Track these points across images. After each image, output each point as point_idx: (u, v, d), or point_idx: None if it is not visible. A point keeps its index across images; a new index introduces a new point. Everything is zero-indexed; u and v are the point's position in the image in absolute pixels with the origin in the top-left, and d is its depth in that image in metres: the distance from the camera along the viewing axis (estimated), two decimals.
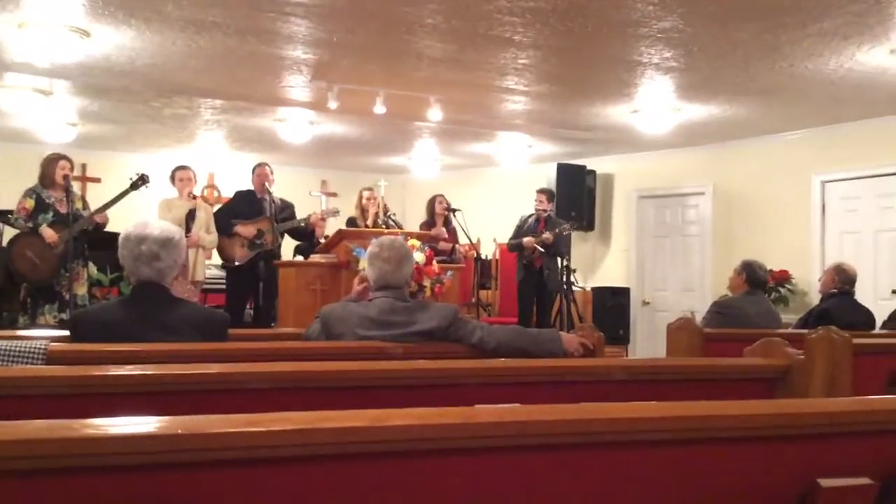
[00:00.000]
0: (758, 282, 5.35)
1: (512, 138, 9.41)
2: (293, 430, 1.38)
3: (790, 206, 8.55)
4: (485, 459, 1.50)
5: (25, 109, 7.83)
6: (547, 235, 8.00)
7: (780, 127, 8.35)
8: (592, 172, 10.10)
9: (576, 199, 9.48)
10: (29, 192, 6.28)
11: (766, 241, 8.62)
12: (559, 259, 8.39)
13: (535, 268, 8.15)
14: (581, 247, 10.27)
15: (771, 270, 8.27)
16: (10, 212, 6.53)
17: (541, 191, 8.44)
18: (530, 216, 8.41)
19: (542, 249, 8.06)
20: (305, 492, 1.40)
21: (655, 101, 7.27)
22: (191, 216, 6.83)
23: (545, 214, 8.30)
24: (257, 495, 1.37)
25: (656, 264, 10.06)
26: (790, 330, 5.43)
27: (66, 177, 6.27)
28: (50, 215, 6.22)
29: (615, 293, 9.83)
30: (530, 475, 1.54)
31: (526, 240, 8.09)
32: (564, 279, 8.67)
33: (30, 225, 6.17)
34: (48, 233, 6.18)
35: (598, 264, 10.50)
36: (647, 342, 9.89)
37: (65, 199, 6.32)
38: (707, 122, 8.09)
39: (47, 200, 6.27)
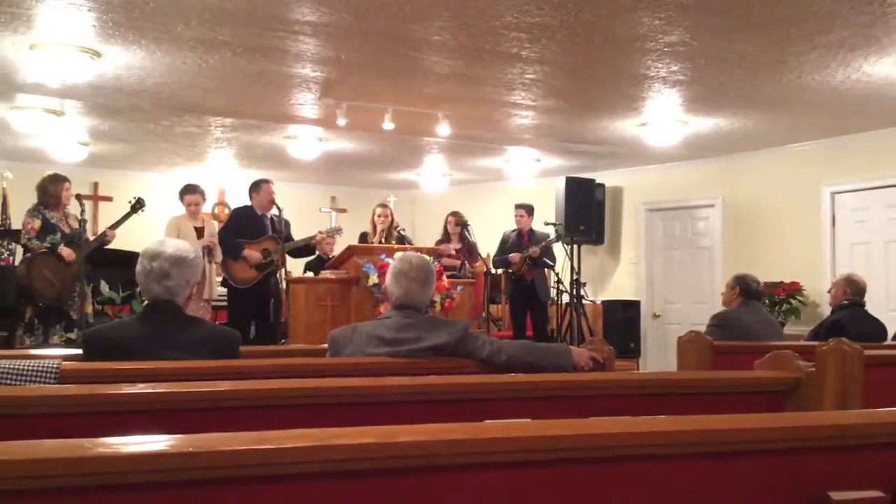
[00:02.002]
0: (752, 293, 5.32)
1: (520, 153, 9.43)
2: (303, 448, 1.38)
3: (800, 218, 8.53)
4: (494, 475, 1.50)
5: (37, 129, 7.90)
6: (534, 249, 8.08)
7: (788, 139, 8.34)
8: (601, 186, 10.10)
9: (584, 212, 9.48)
10: (34, 213, 6.31)
11: (776, 253, 8.59)
12: (546, 269, 8.46)
13: (527, 281, 8.20)
14: (590, 260, 10.26)
15: (781, 282, 8.27)
16: (19, 231, 6.58)
17: (519, 206, 8.52)
18: (513, 231, 8.52)
19: (529, 263, 8.15)
20: None
21: (663, 115, 7.28)
22: (199, 234, 6.88)
23: (528, 229, 8.43)
24: None
25: (666, 277, 10.04)
26: (801, 342, 5.41)
27: (68, 197, 6.36)
28: (59, 236, 6.27)
29: (625, 306, 9.81)
30: (540, 490, 1.54)
31: (511, 256, 8.20)
32: (574, 292, 8.69)
33: (47, 245, 6.20)
34: (66, 252, 6.25)
35: (607, 277, 10.49)
36: (658, 355, 9.85)
37: (65, 219, 6.39)
38: (715, 135, 8.09)
39: (52, 220, 6.31)
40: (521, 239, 8.38)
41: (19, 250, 8.51)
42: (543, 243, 8.21)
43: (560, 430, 1.58)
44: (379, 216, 7.79)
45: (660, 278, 10.08)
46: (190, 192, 7.14)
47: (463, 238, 8.21)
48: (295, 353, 3.86)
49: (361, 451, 1.42)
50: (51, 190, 6.35)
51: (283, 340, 7.02)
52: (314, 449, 1.39)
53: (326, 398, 2.28)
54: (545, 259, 8.27)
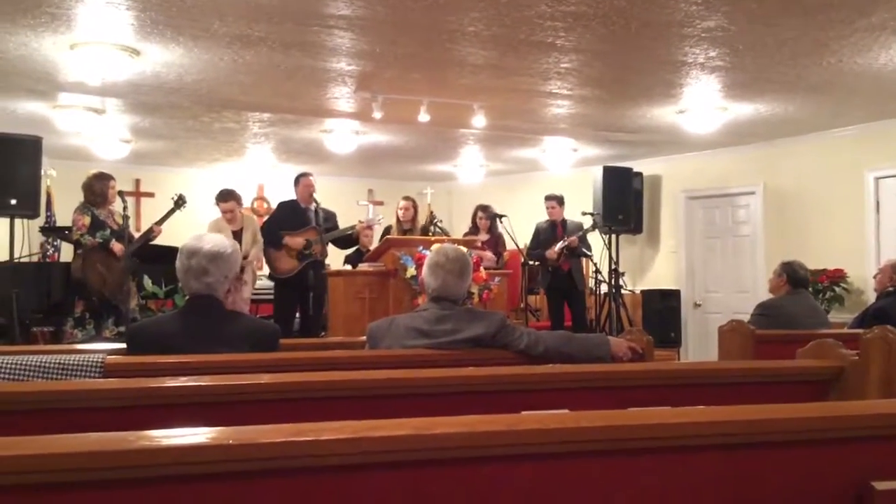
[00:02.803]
0: (799, 281, 5.24)
1: (557, 142, 9.39)
2: (342, 440, 1.40)
3: (843, 204, 8.38)
4: (532, 466, 1.51)
5: (80, 128, 8.04)
6: (572, 239, 8.04)
7: (830, 123, 8.19)
8: (639, 174, 10.01)
9: (622, 201, 9.40)
10: (83, 210, 6.50)
11: (819, 240, 8.46)
12: (582, 259, 8.44)
13: (563, 271, 8.19)
14: (629, 249, 10.18)
15: (825, 269, 8.14)
16: (67, 228, 6.74)
17: (550, 197, 8.51)
18: (546, 222, 8.52)
19: (566, 254, 8.14)
20: (355, 500, 1.42)
21: (702, 101, 7.19)
22: (237, 236, 6.96)
23: (560, 219, 8.42)
24: (306, 503, 1.39)
25: (707, 266, 9.93)
26: (845, 330, 5.32)
27: (113, 195, 6.53)
28: (108, 232, 6.44)
29: (665, 296, 9.73)
30: (578, 482, 1.54)
31: (548, 252, 8.16)
32: (613, 282, 8.64)
33: (99, 241, 6.37)
34: (117, 247, 6.46)
35: (646, 267, 10.41)
36: (699, 345, 9.76)
37: (111, 216, 6.56)
38: (755, 121, 7.97)
39: (100, 217, 6.50)
40: (554, 230, 8.37)
41: (64, 246, 8.73)
42: (580, 232, 8.18)
43: (598, 422, 1.58)
44: (401, 209, 7.84)
45: (700, 267, 9.98)
46: (223, 199, 7.22)
47: (492, 230, 8.20)
48: (334, 346, 3.89)
49: (399, 443, 1.43)
50: (97, 188, 6.54)
51: (322, 333, 7.09)
52: (353, 441, 1.40)
53: (365, 390, 2.30)
54: (582, 248, 8.25)
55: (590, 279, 8.70)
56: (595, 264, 8.69)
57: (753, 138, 8.88)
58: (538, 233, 8.48)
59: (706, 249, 9.95)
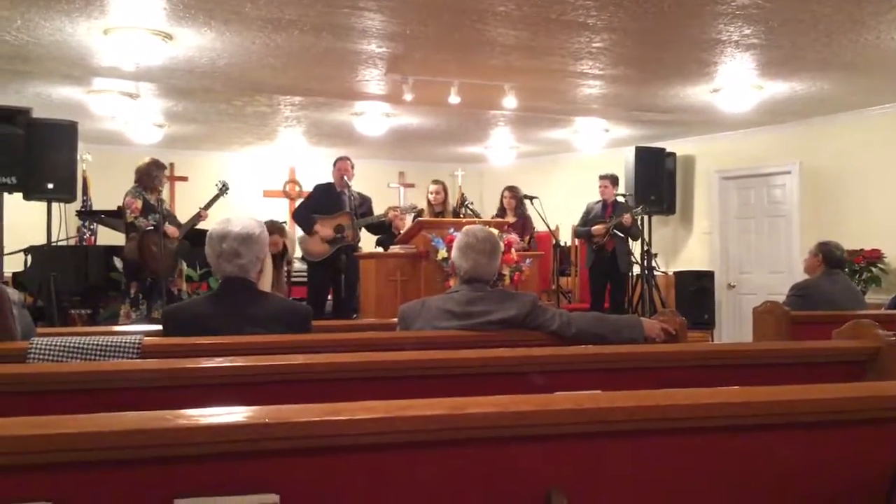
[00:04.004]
0: (835, 261, 5.17)
1: (588, 123, 9.31)
2: (375, 419, 1.41)
3: (880, 183, 8.24)
4: (564, 446, 1.51)
5: (114, 112, 8.12)
6: (627, 217, 8.00)
7: (867, 101, 8.04)
8: (672, 155, 9.91)
9: (655, 182, 9.32)
10: (135, 193, 6.72)
11: (856, 220, 8.32)
12: (631, 241, 8.39)
13: (608, 252, 8.15)
14: (662, 230, 10.10)
15: (862, 250, 8.02)
16: (115, 212, 6.98)
17: (604, 177, 8.50)
18: (597, 203, 8.49)
19: (620, 234, 8.08)
20: (387, 478, 1.43)
21: (736, 80, 7.09)
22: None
23: (612, 199, 8.38)
24: (341, 481, 1.41)
25: (741, 246, 9.83)
26: (882, 311, 5.25)
27: (164, 182, 6.83)
28: (158, 216, 6.61)
29: (698, 277, 9.65)
30: (610, 462, 1.54)
31: (594, 228, 8.18)
32: (646, 263, 8.59)
33: (152, 223, 6.53)
34: (171, 230, 6.73)
35: (679, 248, 10.32)
36: (733, 326, 9.68)
37: (158, 201, 6.75)
38: (791, 99, 7.85)
39: (150, 202, 6.67)
40: (604, 210, 8.36)
41: (101, 230, 8.87)
42: (634, 210, 8.17)
43: (631, 402, 1.58)
44: (431, 192, 7.85)
45: (734, 248, 9.87)
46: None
47: (519, 212, 8.18)
48: (366, 328, 3.91)
49: (432, 423, 1.44)
50: (154, 174, 6.80)
51: (354, 315, 7.14)
52: (386, 420, 1.41)
53: (397, 371, 2.31)
54: (636, 228, 8.23)
55: (635, 264, 8.62)
56: (646, 244, 8.64)
57: (789, 117, 8.74)
58: (588, 211, 8.49)
59: (740, 230, 9.84)
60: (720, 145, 9.83)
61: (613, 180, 8.47)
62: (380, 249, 7.62)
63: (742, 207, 9.82)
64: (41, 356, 2.45)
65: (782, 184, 9.38)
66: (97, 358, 2.50)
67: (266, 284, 6.69)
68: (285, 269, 6.86)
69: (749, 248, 9.75)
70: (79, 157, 7.44)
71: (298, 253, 7.73)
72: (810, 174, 8.99)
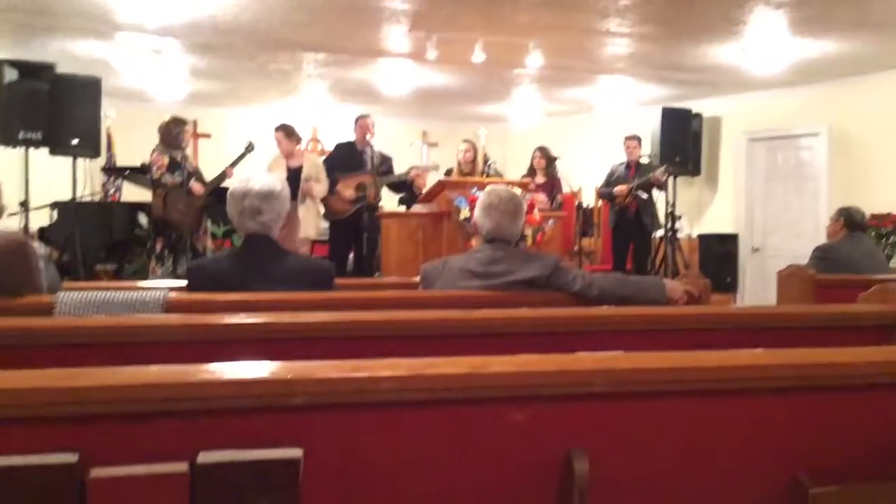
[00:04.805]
0: (856, 224, 5.17)
1: (614, 82, 9.19)
2: (397, 377, 1.42)
3: None
4: (585, 406, 1.51)
5: (138, 69, 8.12)
6: (655, 176, 8.00)
7: None
8: (699, 116, 9.77)
9: (681, 143, 9.20)
10: (162, 151, 6.80)
11: (885, 184, 8.19)
12: (654, 198, 8.34)
13: (631, 213, 8.11)
14: (686, 193, 10.00)
15: (890, 213, 7.92)
16: (139, 169, 7.04)
17: (630, 137, 8.46)
18: (620, 164, 8.44)
19: (643, 196, 8.04)
20: (409, 435, 1.44)
21: (766, 39, 6.95)
22: (295, 174, 6.99)
23: (637, 160, 8.34)
24: (364, 437, 1.42)
25: (767, 209, 9.72)
26: None
27: (187, 139, 6.85)
28: (184, 173, 6.65)
29: (723, 240, 9.58)
30: (631, 423, 1.54)
31: (617, 189, 8.15)
32: (669, 225, 8.53)
33: (179, 179, 6.58)
34: (196, 186, 6.79)
35: (704, 210, 10.22)
36: (757, 290, 9.61)
37: (185, 158, 6.79)
38: (821, 60, 7.69)
39: (176, 159, 6.74)
40: (628, 171, 8.31)
41: (125, 186, 8.93)
42: (662, 168, 8.10)
43: (653, 363, 1.57)
44: (461, 152, 7.81)
45: (760, 211, 9.76)
46: (276, 129, 7.30)
47: (549, 172, 8.13)
48: (388, 287, 3.92)
49: (454, 382, 1.44)
50: (174, 131, 6.85)
51: (376, 274, 7.16)
52: (408, 378, 1.42)
53: (419, 330, 2.32)
54: (665, 184, 8.20)
55: (658, 226, 8.56)
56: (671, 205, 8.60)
57: (819, 78, 8.58)
58: (612, 173, 8.44)
59: (766, 193, 9.72)
60: (748, 106, 9.68)
61: (640, 141, 8.41)
62: (402, 208, 7.61)
63: (769, 170, 9.69)
64: (67, 310, 2.48)
65: (810, 146, 9.24)
66: (123, 312, 2.52)
67: (297, 234, 6.77)
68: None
69: (775, 211, 9.64)
70: (103, 114, 7.46)
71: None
72: (839, 136, 8.84)
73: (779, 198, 9.59)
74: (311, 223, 7.16)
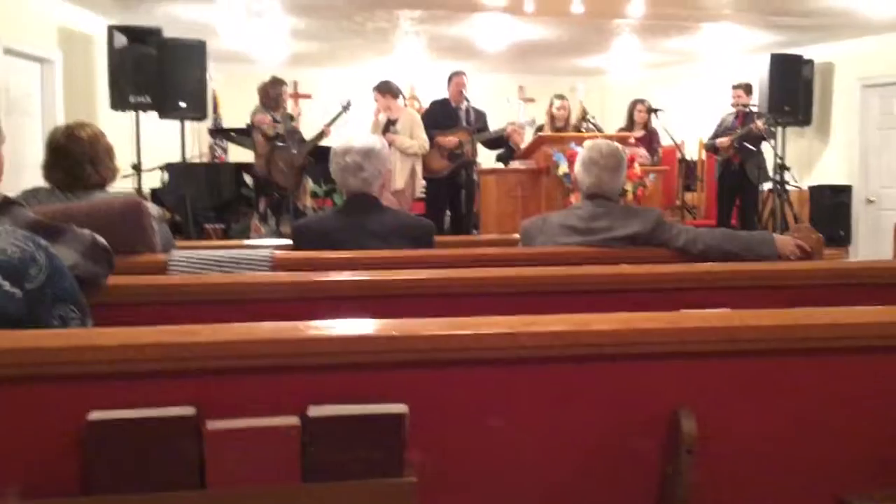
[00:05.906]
0: None
1: (719, 30, 8.85)
2: (500, 334, 1.42)
3: None
4: (692, 365, 1.49)
5: (240, 32, 8.28)
6: (756, 125, 7.72)
7: None
8: (810, 62, 9.33)
9: (791, 92, 8.82)
10: (263, 111, 6.98)
11: None
12: (762, 153, 8.04)
13: (735, 165, 7.87)
14: (797, 143, 9.61)
15: None
16: (244, 130, 7.27)
17: (736, 86, 8.16)
18: (730, 114, 8.18)
19: (749, 146, 7.77)
20: (511, 393, 1.45)
21: None
22: (388, 127, 7.01)
23: (745, 109, 8.04)
24: (466, 394, 1.44)
25: (882, 159, 9.24)
26: None
27: (286, 100, 7.00)
28: (284, 131, 6.87)
29: (835, 192, 9.18)
30: (739, 382, 1.51)
31: (719, 141, 7.94)
32: (778, 177, 8.23)
33: (281, 135, 6.83)
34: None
35: (814, 161, 9.80)
36: (871, 243, 9.19)
37: (284, 118, 6.95)
38: None
39: (276, 118, 6.85)
40: (735, 121, 8.06)
41: (231, 147, 9.18)
42: (762, 119, 7.83)
43: (762, 321, 1.53)
44: (559, 108, 7.65)
45: (875, 161, 9.30)
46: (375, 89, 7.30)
47: (647, 125, 7.94)
48: (487, 244, 3.92)
49: (556, 339, 1.44)
50: (272, 93, 7.07)
51: (474, 231, 7.18)
52: (510, 335, 1.42)
53: (520, 287, 2.32)
54: (765, 134, 7.91)
55: (765, 179, 8.27)
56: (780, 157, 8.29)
57: None
58: (721, 123, 8.20)
59: (882, 142, 9.23)
60: (863, 51, 9.17)
61: (747, 89, 8.09)
62: (500, 165, 7.57)
63: (885, 118, 9.19)
64: (181, 268, 2.58)
65: None
66: (232, 270, 2.61)
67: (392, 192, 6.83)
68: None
69: (891, 161, 9.17)
70: (208, 77, 7.65)
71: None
72: None
73: (895, 147, 9.11)
74: (407, 180, 7.14)
